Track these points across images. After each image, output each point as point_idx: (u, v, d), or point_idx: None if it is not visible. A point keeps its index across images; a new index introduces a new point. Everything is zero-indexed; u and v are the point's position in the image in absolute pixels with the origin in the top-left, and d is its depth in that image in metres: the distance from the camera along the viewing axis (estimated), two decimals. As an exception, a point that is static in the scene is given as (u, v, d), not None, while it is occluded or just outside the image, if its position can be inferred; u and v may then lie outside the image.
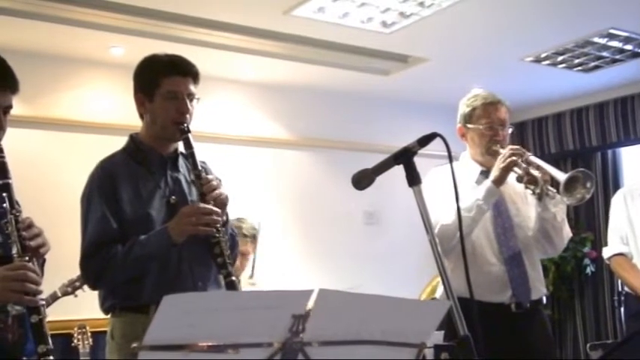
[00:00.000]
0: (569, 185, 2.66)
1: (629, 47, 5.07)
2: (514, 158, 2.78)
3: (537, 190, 2.79)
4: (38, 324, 1.82)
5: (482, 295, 2.79)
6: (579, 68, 5.49)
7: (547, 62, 5.34)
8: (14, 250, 1.85)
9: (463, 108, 3.03)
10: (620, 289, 5.82)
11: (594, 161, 6.28)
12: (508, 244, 2.88)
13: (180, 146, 2.47)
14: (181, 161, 2.50)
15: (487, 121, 2.93)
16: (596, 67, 5.48)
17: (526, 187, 2.84)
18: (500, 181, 2.79)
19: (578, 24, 4.60)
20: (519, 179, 2.83)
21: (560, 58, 5.26)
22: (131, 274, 2.28)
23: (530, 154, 2.84)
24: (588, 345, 4.12)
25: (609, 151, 6.33)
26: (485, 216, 2.84)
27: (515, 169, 2.80)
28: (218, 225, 2.31)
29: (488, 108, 2.95)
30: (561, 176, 2.67)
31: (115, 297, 2.33)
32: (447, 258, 2.86)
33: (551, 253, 3.04)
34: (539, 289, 2.95)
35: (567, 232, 2.96)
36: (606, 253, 3.75)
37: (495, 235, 2.89)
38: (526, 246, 2.92)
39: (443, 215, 2.69)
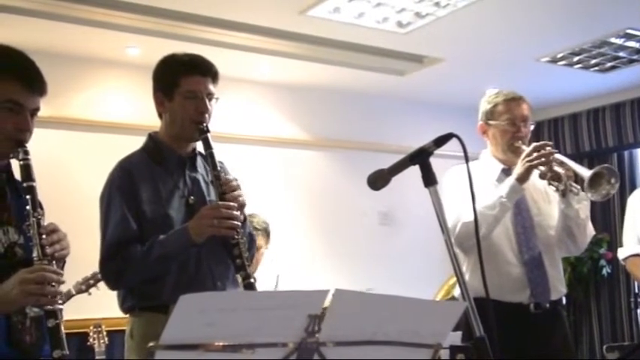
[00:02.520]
0: (594, 181, 2.64)
1: (646, 47, 5.04)
2: (539, 155, 2.74)
3: (561, 187, 2.76)
4: (55, 328, 1.82)
5: (502, 295, 2.78)
6: (596, 69, 5.46)
7: (563, 62, 5.31)
8: (35, 254, 1.85)
9: (484, 105, 3.01)
10: (636, 290, 5.79)
11: (610, 162, 6.22)
12: (528, 244, 2.86)
13: (199, 146, 2.47)
14: (199, 161, 2.50)
15: (509, 118, 2.92)
16: (613, 68, 5.44)
17: (549, 184, 2.81)
18: (524, 178, 2.75)
19: (595, 24, 4.57)
20: (542, 176, 2.80)
21: (576, 59, 5.23)
22: (151, 274, 2.29)
23: (554, 150, 2.79)
24: (605, 347, 4.10)
25: (625, 152, 6.29)
26: (506, 215, 2.82)
27: (540, 166, 2.78)
28: (237, 226, 2.31)
29: (510, 104, 2.94)
30: (586, 172, 2.65)
31: (134, 297, 2.34)
32: (467, 256, 2.86)
33: (574, 251, 3.01)
34: (559, 289, 2.92)
35: (591, 230, 2.93)
36: (621, 253, 3.72)
37: (515, 235, 2.87)
38: (547, 246, 2.89)
39: (464, 213, 2.67)
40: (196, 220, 2.28)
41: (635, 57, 5.21)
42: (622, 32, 4.71)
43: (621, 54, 5.14)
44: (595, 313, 6.30)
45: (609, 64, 5.38)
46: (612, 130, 6.19)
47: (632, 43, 4.94)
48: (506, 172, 2.91)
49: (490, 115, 2.97)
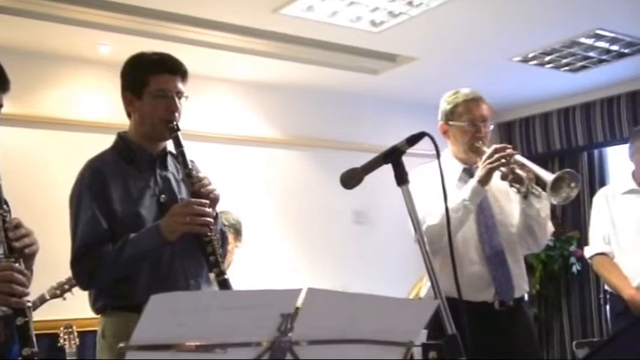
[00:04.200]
0: (555, 185, 2.66)
1: (615, 48, 5.10)
2: (500, 157, 2.76)
3: (522, 189, 2.79)
4: (24, 326, 1.80)
5: (467, 293, 2.77)
6: (566, 68, 5.52)
7: (534, 62, 5.36)
8: (1, 251, 1.83)
9: (444, 105, 3.02)
10: (605, 287, 5.88)
11: (581, 161, 6.32)
12: (491, 243, 2.88)
13: (169, 145, 2.46)
14: (170, 160, 2.49)
15: (469, 118, 2.93)
16: (583, 68, 5.51)
17: (511, 186, 2.84)
18: (485, 180, 2.77)
19: (566, 24, 4.63)
20: (504, 177, 2.82)
21: (547, 58, 5.29)
22: (123, 273, 2.27)
23: (514, 152, 2.82)
24: (574, 343, 4.15)
25: (595, 151, 6.37)
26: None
27: (501, 167, 2.80)
28: (210, 223, 2.31)
29: (470, 104, 2.95)
30: (548, 176, 2.67)
31: (106, 297, 2.31)
32: (435, 257, 2.87)
33: (535, 248, 3.04)
34: (522, 286, 2.95)
35: (550, 228, 2.97)
36: (588, 252, 3.77)
37: (478, 234, 2.89)
38: (509, 244, 2.92)
39: (429, 216, 2.69)
40: (168, 217, 2.27)
41: (604, 57, 5.28)
42: (592, 33, 4.77)
43: (591, 54, 5.21)
44: (565, 310, 6.38)
45: (579, 64, 5.44)
46: (583, 129, 6.27)
47: (601, 44, 5.01)
48: (468, 171, 2.93)
49: (450, 115, 2.98)
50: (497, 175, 2.85)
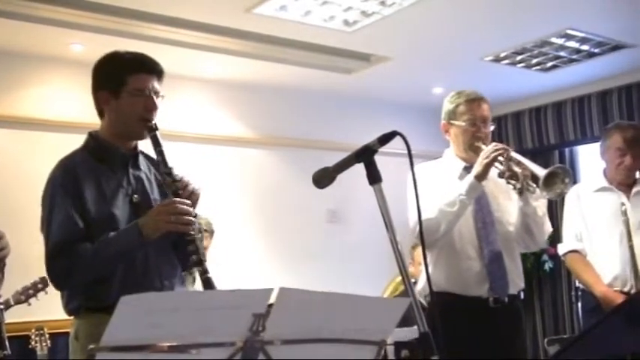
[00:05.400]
0: (549, 180, 2.72)
1: (585, 47, 5.16)
2: (496, 154, 2.83)
3: (518, 186, 2.85)
4: None
5: (462, 289, 2.89)
6: (537, 68, 5.58)
7: (506, 62, 5.41)
8: None
9: (447, 105, 3.08)
10: (577, 284, 5.94)
11: (552, 159, 6.38)
12: (488, 239, 2.93)
13: (140, 144, 2.45)
14: (141, 159, 2.48)
15: (469, 118, 2.98)
16: (554, 67, 5.58)
17: (507, 183, 2.90)
18: (482, 176, 2.83)
19: (537, 24, 4.67)
20: (501, 174, 2.89)
21: (518, 58, 5.34)
22: (100, 272, 2.24)
23: (511, 150, 2.89)
24: (546, 340, 4.18)
25: (567, 150, 6.46)
26: (467, 210, 2.89)
27: (497, 164, 2.86)
28: (193, 222, 2.30)
29: (471, 105, 3.00)
30: (541, 172, 2.74)
31: (80, 298, 2.28)
32: (430, 251, 2.92)
33: (533, 247, 3.11)
34: (517, 283, 3.00)
35: (548, 227, 3.02)
36: (561, 249, 3.81)
37: (476, 230, 2.94)
38: (506, 241, 2.97)
39: (424, 211, 2.72)
40: (151, 216, 2.26)
41: (575, 57, 5.34)
42: (563, 32, 4.83)
43: (562, 53, 5.27)
44: (538, 308, 6.45)
45: (550, 64, 5.50)
46: (554, 127, 6.35)
47: (572, 43, 5.07)
48: (468, 169, 2.97)
49: (452, 115, 3.04)
50: (497, 173, 2.90)
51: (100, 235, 2.24)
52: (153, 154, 2.42)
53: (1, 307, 1.81)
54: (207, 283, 2.27)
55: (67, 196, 2.26)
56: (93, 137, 2.43)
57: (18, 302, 3.64)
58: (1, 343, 1.79)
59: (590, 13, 4.52)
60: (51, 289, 3.62)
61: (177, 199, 2.29)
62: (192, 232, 2.29)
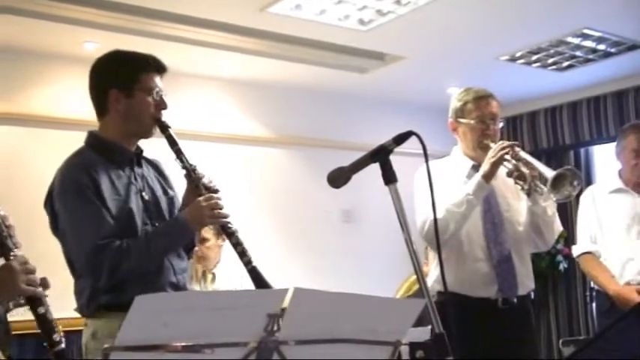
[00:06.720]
0: (557, 182, 2.67)
1: (601, 47, 5.13)
2: (503, 153, 2.78)
3: (526, 186, 2.80)
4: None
5: (471, 290, 2.84)
6: (553, 67, 5.54)
7: (522, 61, 5.38)
8: None
9: (455, 102, 3.03)
10: (592, 285, 5.90)
11: (567, 159, 6.35)
12: (497, 240, 2.89)
13: (139, 143, 2.47)
14: (142, 160, 2.50)
15: (478, 115, 2.94)
16: (570, 67, 5.54)
17: (515, 183, 2.85)
18: (489, 175, 2.78)
19: (553, 23, 4.64)
20: (509, 174, 2.84)
21: (534, 57, 5.31)
22: (149, 267, 2.27)
23: (520, 149, 2.83)
24: (561, 341, 4.17)
25: (582, 150, 6.41)
26: (475, 210, 2.84)
27: (505, 163, 2.81)
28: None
29: (480, 102, 2.96)
30: (549, 173, 2.69)
31: (100, 297, 2.26)
32: (437, 252, 2.89)
33: (543, 247, 3.05)
34: (527, 284, 2.96)
35: (558, 226, 2.97)
36: (575, 251, 3.79)
37: (484, 230, 2.89)
38: (516, 241, 2.92)
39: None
40: (195, 210, 2.31)
41: (591, 56, 5.31)
42: (579, 32, 4.79)
43: (578, 53, 5.23)
44: (552, 308, 6.41)
45: (566, 63, 5.46)
46: (569, 128, 6.30)
47: (588, 43, 5.03)
48: (476, 168, 2.93)
49: (460, 112, 2.99)
50: (505, 173, 2.86)
51: (121, 232, 2.24)
52: (154, 155, 2.46)
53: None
54: (253, 273, 2.37)
55: (92, 195, 2.25)
56: (95, 136, 2.43)
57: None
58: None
59: (607, 13, 4.48)
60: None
61: (214, 194, 2.37)
62: (230, 225, 2.38)
